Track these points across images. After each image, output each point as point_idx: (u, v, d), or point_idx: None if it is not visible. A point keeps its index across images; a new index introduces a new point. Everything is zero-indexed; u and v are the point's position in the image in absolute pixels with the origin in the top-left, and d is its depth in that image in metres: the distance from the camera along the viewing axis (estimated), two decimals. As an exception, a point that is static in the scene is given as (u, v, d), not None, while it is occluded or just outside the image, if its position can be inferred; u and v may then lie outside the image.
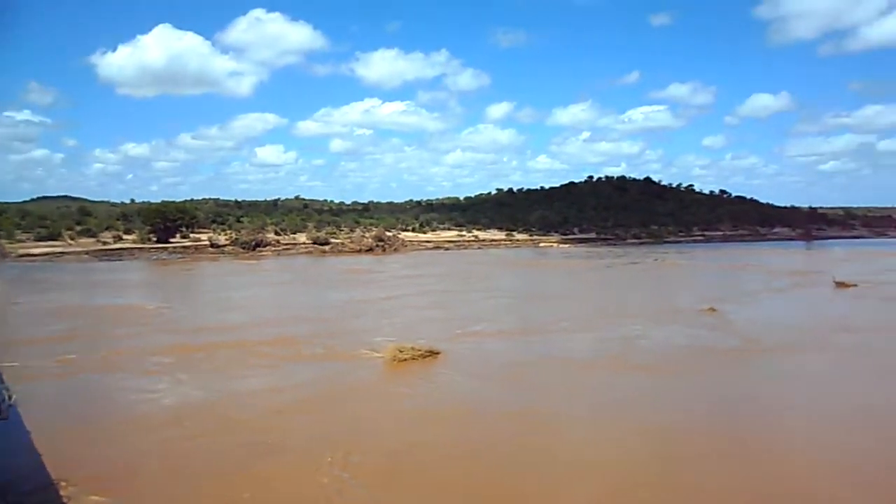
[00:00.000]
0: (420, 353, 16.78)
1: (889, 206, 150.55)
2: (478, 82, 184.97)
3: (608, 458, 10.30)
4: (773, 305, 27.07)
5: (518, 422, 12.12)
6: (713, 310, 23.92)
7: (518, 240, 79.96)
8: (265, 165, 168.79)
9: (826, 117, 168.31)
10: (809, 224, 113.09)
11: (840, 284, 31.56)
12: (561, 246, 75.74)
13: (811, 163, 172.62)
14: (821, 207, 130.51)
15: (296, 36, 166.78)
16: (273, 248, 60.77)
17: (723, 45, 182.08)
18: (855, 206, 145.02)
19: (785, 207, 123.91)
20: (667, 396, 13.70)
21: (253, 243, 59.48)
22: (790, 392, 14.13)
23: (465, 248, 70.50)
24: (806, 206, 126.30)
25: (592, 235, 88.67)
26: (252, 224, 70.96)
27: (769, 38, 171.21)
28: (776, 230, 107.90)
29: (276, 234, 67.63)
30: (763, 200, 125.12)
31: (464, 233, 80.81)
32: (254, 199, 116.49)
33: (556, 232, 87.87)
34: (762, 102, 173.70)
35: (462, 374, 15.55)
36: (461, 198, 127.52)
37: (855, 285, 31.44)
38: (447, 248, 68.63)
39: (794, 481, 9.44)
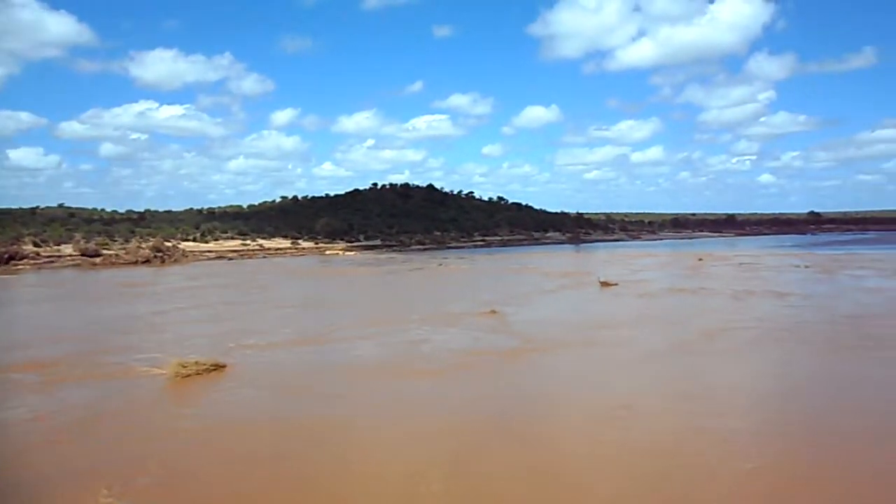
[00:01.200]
0: (205, 367, 16.06)
1: (641, 211, 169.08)
2: (262, 87, 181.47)
3: (397, 461, 10.54)
4: (547, 306, 29.04)
5: (309, 431, 12.03)
6: (494, 312, 25.17)
7: (304, 248, 79.47)
8: (20, 169, 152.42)
9: (590, 130, 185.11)
10: (577, 229, 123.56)
11: (604, 284, 34.79)
12: (347, 253, 76.19)
13: (578, 171, 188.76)
14: (586, 213, 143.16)
15: (56, 27, 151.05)
16: (32, 262, 55.26)
17: (500, 59, 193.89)
18: (614, 211, 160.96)
19: (556, 213, 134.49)
20: (452, 398, 14.22)
21: (6, 256, 53.60)
22: (563, 386, 15.31)
23: (250, 258, 68.89)
24: (574, 211, 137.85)
25: (378, 242, 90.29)
26: (4, 235, 63.76)
27: (541, 54, 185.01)
28: (549, 234, 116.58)
29: (36, 245, 61.50)
30: (537, 206, 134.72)
31: (248, 241, 78.80)
32: (7, 206, 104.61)
33: (342, 239, 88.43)
34: (535, 114, 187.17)
35: (250, 386, 15.14)
36: (245, 206, 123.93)
37: (616, 284, 34.81)
38: (231, 258, 66.60)
39: (570, 469, 10.26)
